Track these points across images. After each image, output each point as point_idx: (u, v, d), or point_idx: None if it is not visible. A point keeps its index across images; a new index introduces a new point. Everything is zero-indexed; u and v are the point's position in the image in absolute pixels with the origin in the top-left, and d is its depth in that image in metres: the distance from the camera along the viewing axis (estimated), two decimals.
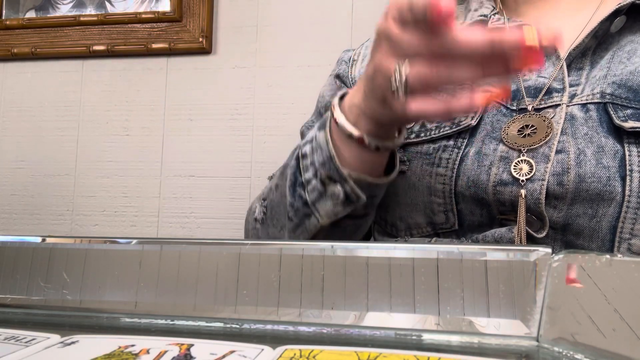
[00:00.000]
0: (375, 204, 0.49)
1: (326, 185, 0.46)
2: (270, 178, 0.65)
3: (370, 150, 0.44)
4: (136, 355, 0.24)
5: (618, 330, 0.23)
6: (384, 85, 0.39)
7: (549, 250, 0.27)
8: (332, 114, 0.46)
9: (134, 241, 0.33)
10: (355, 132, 0.44)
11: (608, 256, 0.25)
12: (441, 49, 0.35)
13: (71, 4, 1.02)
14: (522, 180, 0.45)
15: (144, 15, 0.97)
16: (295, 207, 0.48)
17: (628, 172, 0.42)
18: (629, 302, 0.23)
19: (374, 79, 0.40)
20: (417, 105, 0.37)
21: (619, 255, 0.25)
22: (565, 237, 0.45)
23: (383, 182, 0.47)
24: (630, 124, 0.43)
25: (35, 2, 1.03)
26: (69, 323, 0.31)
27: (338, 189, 0.45)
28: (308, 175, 0.47)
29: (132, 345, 0.25)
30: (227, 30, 0.97)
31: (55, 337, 0.27)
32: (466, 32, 0.34)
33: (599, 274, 0.25)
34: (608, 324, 0.23)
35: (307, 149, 0.48)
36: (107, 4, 1.01)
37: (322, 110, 0.64)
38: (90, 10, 1.01)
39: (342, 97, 0.47)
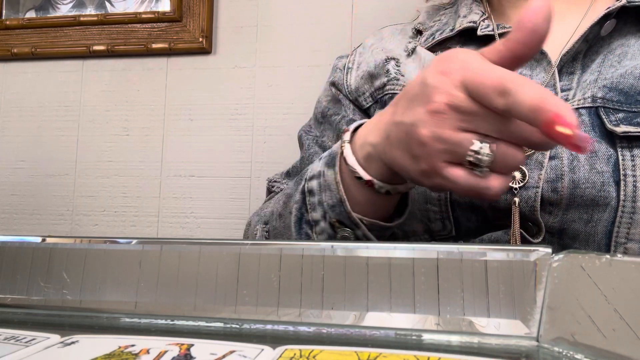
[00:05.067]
0: (387, 236, 0.48)
1: (336, 229, 0.44)
2: (269, 182, 0.64)
3: (379, 194, 0.42)
4: (136, 355, 0.24)
5: (618, 330, 0.23)
6: (444, 153, 0.35)
7: (549, 250, 0.27)
8: (342, 152, 0.43)
9: (134, 241, 0.33)
10: (364, 175, 0.41)
11: (608, 256, 0.25)
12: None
13: (71, 4, 1.02)
14: (515, 189, 0.44)
15: (144, 15, 0.97)
16: None
17: (622, 177, 0.42)
18: (629, 302, 0.23)
19: (428, 144, 0.35)
20: (497, 182, 0.34)
21: (619, 255, 0.25)
22: (562, 241, 0.45)
23: (395, 224, 0.46)
24: (622, 129, 0.43)
25: (35, 2, 1.03)
26: (69, 323, 0.31)
27: (349, 233, 0.43)
28: (316, 215, 0.45)
29: (132, 345, 0.25)
30: (227, 30, 0.97)
31: (55, 337, 0.27)
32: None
33: (599, 274, 0.25)
34: (608, 324, 0.23)
35: (314, 185, 0.45)
36: (107, 4, 1.01)
37: (319, 116, 0.63)
38: (90, 10, 1.01)
39: (354, 131, 0.44)
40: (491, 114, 0.33)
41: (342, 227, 0.44)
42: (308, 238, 0.46)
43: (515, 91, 0.30)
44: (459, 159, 0.34)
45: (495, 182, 0.34)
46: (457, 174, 0.34)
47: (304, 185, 0.47)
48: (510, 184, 0.45)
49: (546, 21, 0.31)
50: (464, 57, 0.34)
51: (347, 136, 0.43)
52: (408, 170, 0.38)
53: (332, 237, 0.44)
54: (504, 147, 0.33)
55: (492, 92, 0.32)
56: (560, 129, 0.28)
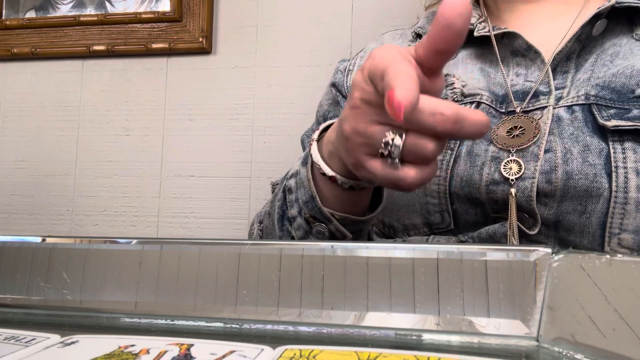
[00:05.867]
0: (365, 232, 0.49)
1: (311, 224, 0.46)
2: (273, 185, 0.66)
3: (344, 190, 0.43)
4: (136, 355, 0.24)
5: (618, 330, 0.23)
6: (363, 146, 0.36)
7: (549, 250, 0.27)
8: (310, 150, 0.45)
9: (134, 241, 0.33)
10: (328, 171, 0.43)
11: (608, 256, 0.25)
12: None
13: (71, 4, 1.02)
14: (512, 180, 0.46)
15: (144, 15, 0.97)
16: (284, 241, 0.48)
17: (614, 169, 0.43)
18: (629, 302, 0.23)
19: (350, 138, 0.37)
20: (412, 172, 0.35)
21: (619, 255, 0.25)
22: (558, 234, 0.46)
23: (367, 218, 0.46)
24: (613, 123, 0.44)
25: (35, 2, 1.03)
26: (69, 323, 0.31)
27: (323, 227, 0.45)
28: (293, 212, 0.47)
29: (132, 345, 0.25)
30: (227, 30, 0.97)
31: (55, 337, 0.27)
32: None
33: (599, 274, 0.25)
34: (608, 324, 0.23)
35: (292, 183, 0.48)
36: (107, 4, 1.01)
37: (320, 119, 0.66)
38: (90, 10, 1.01)
39: (325, 129, 0.46)
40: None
41: (315, 221, 0.45)
42: (289, 234, 0.48)
43: (386, 74, 0.32)
44: (375, 151, 0.36)
45: (409, 173, 0.35)
46: (375, 165, 0.36)
47: (284, 184, 0.49)
48: (507, 175, 0.46)
49: (461, 17, 0.32)
50: (376, 53, 0.35)
51: (315, 135, 0.45)
52: (346, 163, 0.40)
53: (308, 233, 0.46)
54: (413, 138, 0.34)
55: (377, 78, 0.33)
56: (389, 102, 0.30)
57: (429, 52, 0.34)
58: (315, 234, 0.46)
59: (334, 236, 0.46)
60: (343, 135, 0.38)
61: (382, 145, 0.35)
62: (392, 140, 0.34)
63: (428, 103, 0.32)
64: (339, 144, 0.40)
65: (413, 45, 0.36)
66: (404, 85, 0.30)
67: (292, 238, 0.47)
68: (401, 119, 0.30)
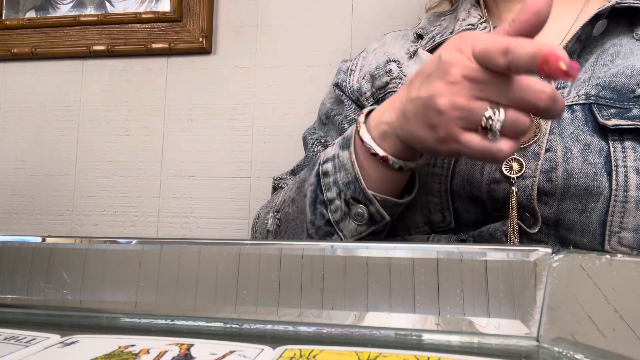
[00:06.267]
0: (394, 219, 0.50)
1: (350, 205, 0.46)
2: (275, 180, 0.66)
3: (392, 170, 0.45)
4: (136, 355, 0.24)
5: (618, 330, 0.23)
6: (459, 120, 0.38)
7: (549, 250, 0.27)
8: (358, 132, 0.46)
9: (134, 241, 0.33)
10: (380, 151, 0.44)
11: (608, 256, 0.25)
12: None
13: (71, 4, 1.02)
14: (513, 179, 0.46)
15: (144, 15, 0.97)
16: (316, 225, 0.49)
17: (614, 168, 0.44)
18: (629, 302, 0.23)
19: (445, 112, 0.38)
20: (507, 145, 0.37)
21: (619, 255, 0.25)
22: (558, 233, 0.46)
23: (405, 201, 0.48)
24: (613, 122, 0.45)
25: (35, 2, 1.03)
26: (69, 323, 0.31)
27: (363, 209, 0.46)
28: (331, 194, 0.47)
29: (132, 345, 0.25)
30: (227, 30, 0.97)
31: (55, 337, 0.27)
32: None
33: (599, 274, 0.25)
34: (608, 324, 0.23)
35: (328, 166, 0.48)
36: (107, 4, 1.01)
37: (323, 117, 0.66)
38: (90, 10, 1.01)
39: (367, 114, 0.47)
40: (502, 83, 0.36)
41: (356, 203, 0.46)
42: (322, 217, 0.48)
43: (514, 48, 0.34)
44: (474, 125, 0.37)
45: (505, 145, 0.37)
46: (472, 138, 0.38)
47: (318, 169, 0.49)
48: (508, 174, 0.47)
49: (548, 6, 0.36)
50: (473, 35, 0.39)
51: (362, 118, 0.46)
52: (424, 140, 0.41)
53: (346, 214, 0.47)
54: (514, 113, 0.36)
55: (496, 54, 0.35)
56: (554, 62, 0.32)
57: (512, 36, 0.37)
58: (354, 216, 0.46)
59: (372, 218, 0.46)
60: (436, 110, 0.38)
61: (484, 119, 0.36)
62: (494, 114, 0.36)
63: (532, 81, 0.35)
64: (407, 123, 0.41)
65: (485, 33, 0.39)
66: (558, 49, 0.32)
67: (327, 221, 0.48)
68: (574, 75, 0.32)
